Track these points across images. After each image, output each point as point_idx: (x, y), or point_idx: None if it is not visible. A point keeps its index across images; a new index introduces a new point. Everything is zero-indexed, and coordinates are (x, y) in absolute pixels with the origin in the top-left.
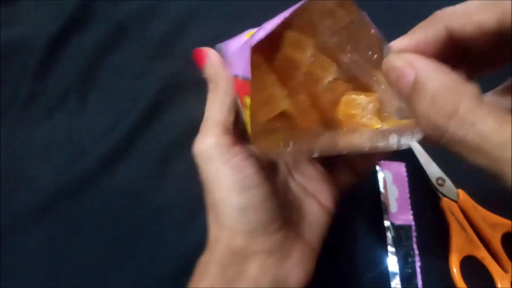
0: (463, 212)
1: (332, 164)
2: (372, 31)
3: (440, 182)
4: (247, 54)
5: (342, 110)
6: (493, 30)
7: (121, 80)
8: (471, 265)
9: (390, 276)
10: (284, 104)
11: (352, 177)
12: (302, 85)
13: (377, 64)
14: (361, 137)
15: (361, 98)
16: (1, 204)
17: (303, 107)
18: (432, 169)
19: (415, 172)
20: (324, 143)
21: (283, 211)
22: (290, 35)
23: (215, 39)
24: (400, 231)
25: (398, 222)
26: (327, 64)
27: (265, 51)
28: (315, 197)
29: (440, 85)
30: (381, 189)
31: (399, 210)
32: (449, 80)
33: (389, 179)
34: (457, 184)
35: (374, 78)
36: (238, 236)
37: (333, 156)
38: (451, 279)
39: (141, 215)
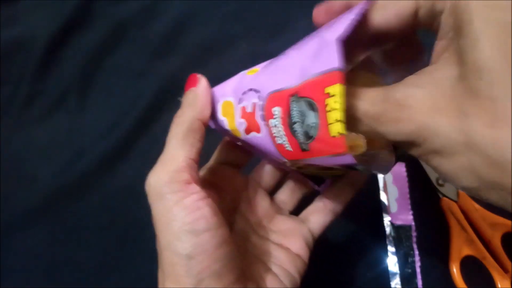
0: (463, 212)
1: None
2: None
3: (440, 182)
4: (331, 46)
5: None
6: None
7: (121, 80)
8: (471, 265)
9: (390, 276)
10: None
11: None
12: None
13: None
14: None
15: None
16: (1, 204)
17: None
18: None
19: (415, 172)
20: None
21: (242, 262)
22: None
23: (215, 39)
24: (400, 231)
25: (398, 222)
26: None
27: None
28: (285, 247)
29: None
30: (381, 189)
31: (399, 210)
32: None
33: (389, 179)
34: None
35: None
36: None
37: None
38: (451, 279)
39: (141, 214)
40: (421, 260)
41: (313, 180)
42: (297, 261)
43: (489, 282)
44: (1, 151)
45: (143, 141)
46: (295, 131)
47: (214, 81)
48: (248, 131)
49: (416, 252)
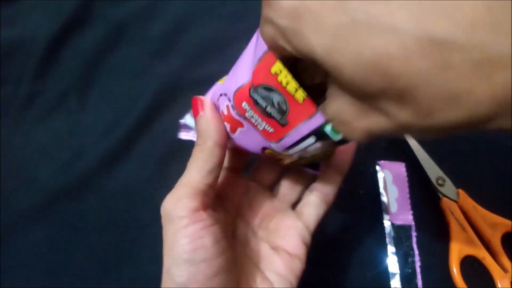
0: (463, 212)
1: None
2: None
3: (440, 182)
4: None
5: None
6: None
7: (121, 80)
8: (471, 265)
9: (390, 276)
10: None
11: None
12: None
13: None
14: None
15: None
16: (1, 204)
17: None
18: (432, 169)
19: (415, 172)
20: None
21: (239, 273)
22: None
23: (215, 39)
24: (400, 231)
25: (398, 222)
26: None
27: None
28: (282, 248)
29: None
30: (381, 189)
31: (399, 210)
32: None
33: (389, 179)
34: (457, 184)
35: None
36: None
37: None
38: (451, 279)
39: (141, 215)
40: (421, 260)
41: (310, 167)
42: (293, 263)
43: (489, 282)
44: (1, 151)
45: (143, 141)
46: (270, 113)
47: (214, 81)
48: (233, 129)
49: (416, 252)
